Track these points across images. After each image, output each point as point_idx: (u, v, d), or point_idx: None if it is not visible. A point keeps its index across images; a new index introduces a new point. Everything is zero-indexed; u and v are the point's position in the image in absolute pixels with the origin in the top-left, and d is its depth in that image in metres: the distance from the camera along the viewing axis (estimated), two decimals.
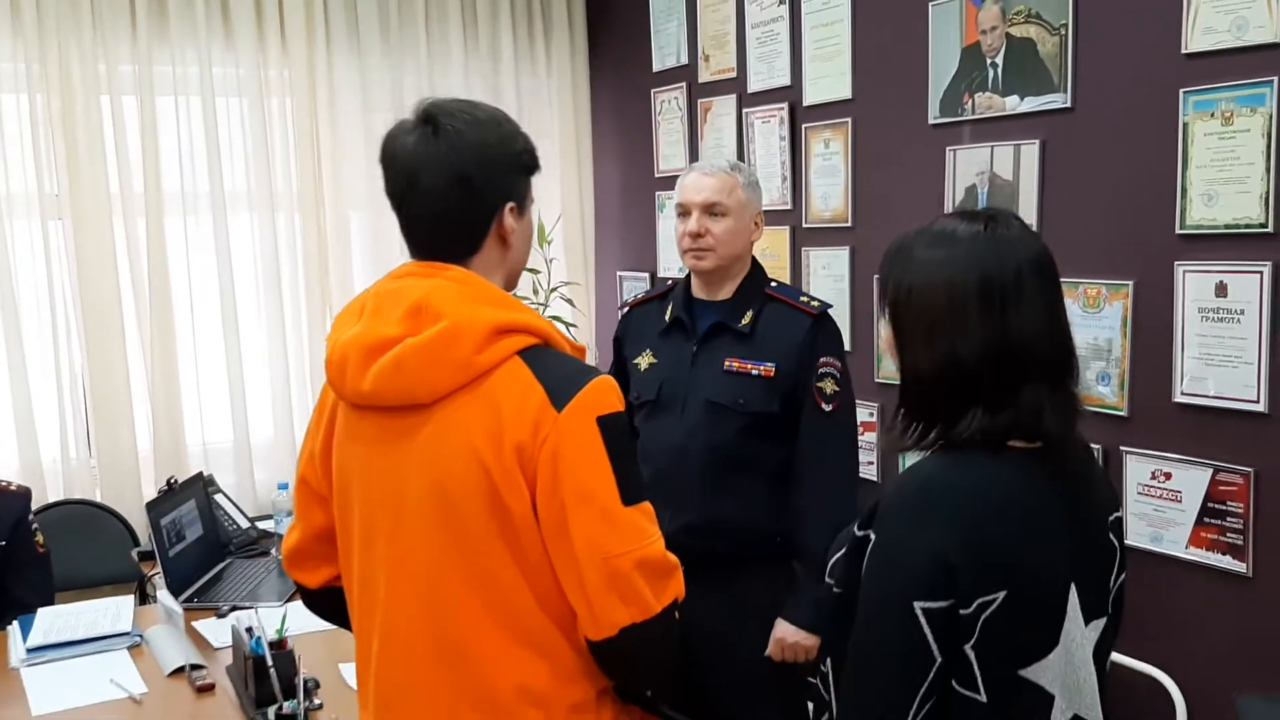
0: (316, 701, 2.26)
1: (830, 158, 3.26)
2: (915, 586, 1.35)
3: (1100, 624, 1.49)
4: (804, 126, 3.34)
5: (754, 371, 2.35)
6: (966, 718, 1.38)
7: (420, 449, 1.47)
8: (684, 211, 2.42)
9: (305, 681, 2.23)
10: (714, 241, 2.37)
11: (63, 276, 3.70)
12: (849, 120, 3.20)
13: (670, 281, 2.74)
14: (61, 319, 3.70)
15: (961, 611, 1.34)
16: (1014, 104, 2.72)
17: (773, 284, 2.46)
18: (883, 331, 1.53)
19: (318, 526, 1.67)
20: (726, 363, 2.37)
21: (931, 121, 2.93)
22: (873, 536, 1.41)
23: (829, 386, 2.35)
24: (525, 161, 1.58)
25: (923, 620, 1.34)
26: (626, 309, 2.66)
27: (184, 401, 3.87)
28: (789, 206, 3.42)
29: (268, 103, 3.90)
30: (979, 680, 1.37)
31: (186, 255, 3.87)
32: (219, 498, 3.34)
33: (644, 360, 2.49)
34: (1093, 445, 2.53)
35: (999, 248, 1.41)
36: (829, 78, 3.24)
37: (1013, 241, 1.43)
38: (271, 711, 2.16)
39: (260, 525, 3.37)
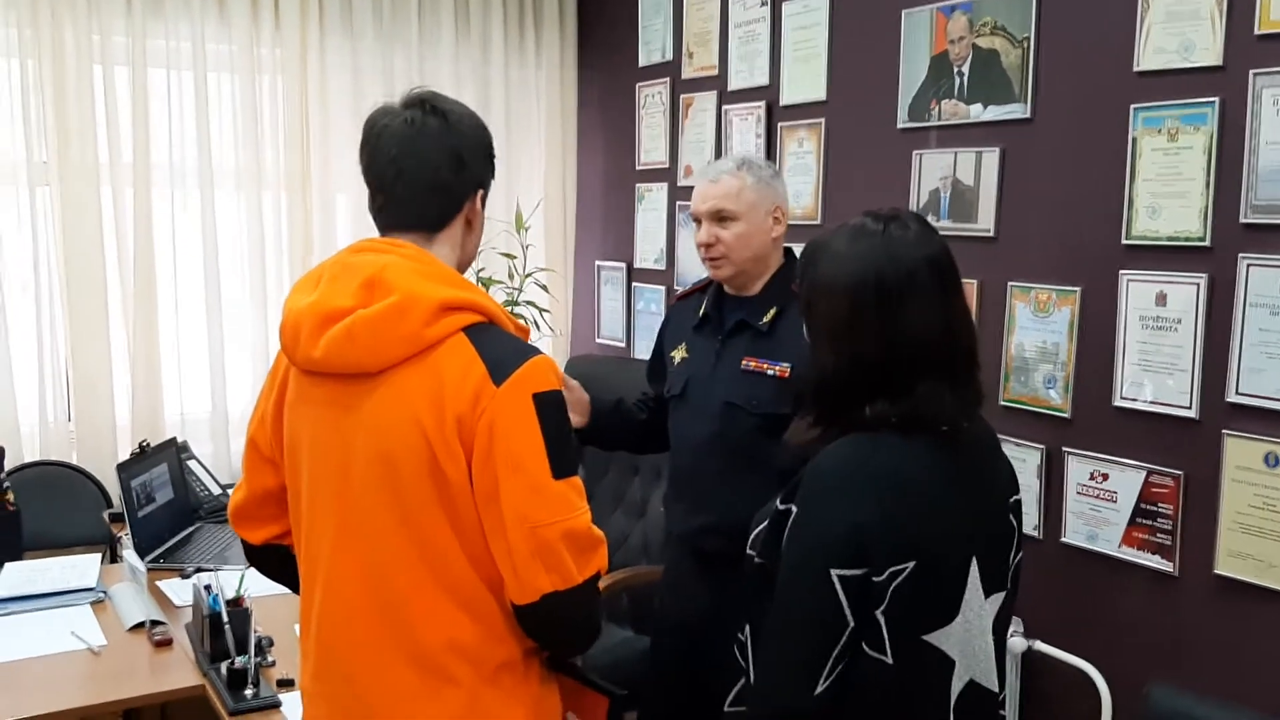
0: (270, 659, 2.33)
1: (803, 156, 3.34)
2: (832, 555, 1.44)
3: (999, 598, 1.58)
4: (780, 125, 3.42)
5: (769, 372, 2.31)
6: (874, 678, 1.47)
7: (366, 416, 1.55)
8: (695, 220, 2.39)
9: (259, 639, 2.30)
10: (725, 249, 2.34)
11: (48, 243, 3.74)
12: (822, 121, 3.27)
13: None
14: (45, 285, 3.75)
15: (874, 579, 1.44)
16: (978, 112, 2.80)
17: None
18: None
19: (263, 487, 1.75)
20: (744, 362, 2.33)
21: (900, 126, 3.01)
22: (794, 510, 1.50)
23: None
24: (493, 155, 1.69)
25: (838, 586, 1.44)
26: (675, 301, 2.68)
27: (164, 371, 3.92)
28: None
29: (259, 80, 3.95)
30: (887, 644, 1.46)
31: (172, 227, 3.92)
32: (192, 464, 3.40)
33: (678, 354, 2.50)
34: (1036, 445, 2.64)
35: (894, 249, 1.52)
36: (805, 79, 3.32)
37: (909, 242, 1.53)
38: (224, 666, 2.23)
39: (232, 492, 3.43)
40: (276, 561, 1.81)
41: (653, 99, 3.97)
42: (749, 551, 1.62)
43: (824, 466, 1.51)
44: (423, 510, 1.53)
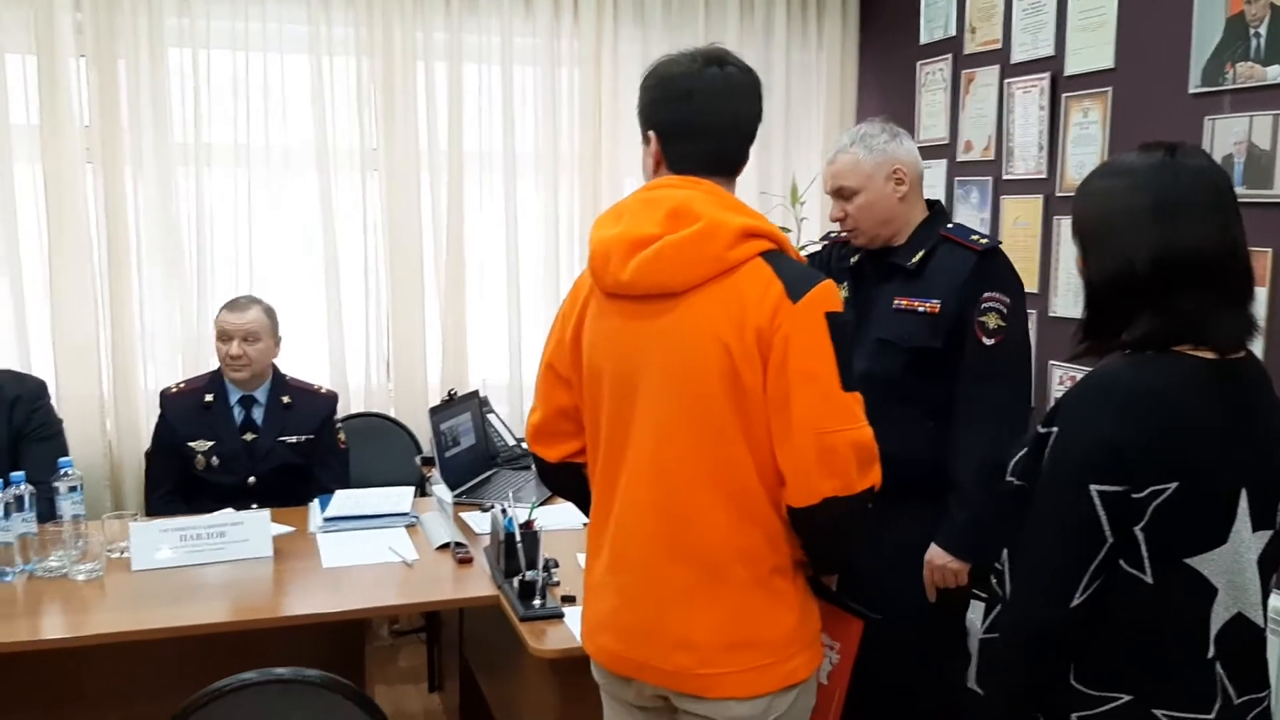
0: (554, 578, 2.56)
1: (1088, 127, 3.27)
2: (1092, 470, 1.47)
3: (1266, 535, 1.54)
4: (1064, 96, 3.36)
5: (920, 308, 2.44)
6: (1131, 596, 1.49)
7: (669, 332, 1.71)
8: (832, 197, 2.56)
9: (546, 560, 2.54)
10: (854, 221, 2.50)
11: (376, 223, 4.19)
12: (1109, 90, 3.19)
13: None
14: (373, 261, 4.20)
15: (1134, 496, 1.45)
16: (1275, 74, 2.67)
17: (950, 226, 2.53)
18: (1075, 251, 1.65)
19: (559, 406, 1.92)
20: (896, 301, 2.47)
21: (1192, 91, 2.90)
22: (1054, 430, 1.54)
23: (992, 321, 2.39)
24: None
25: (1097, 501, 1.46)
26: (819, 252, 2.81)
27: (469, 339, 4.31)
28: (1044, 175, 3.45)
29: (558, 71, 4.28)
30: (1146, 562, 1.47)
31: (480, 209, 4.30)
32: (491, 416, 3.73)
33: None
34: None
35: (1177, 170, 1.51)
36: (1092, 48, 3.25)
37: (1192, 167, 1.52)
38: (516, 580, 2.48)
39: (525, 446, 3.73)
40: (569, 479, 1.98)
41: (933, 76, 3.98)
42: (1008, 478, 1.66)
43: (1087, 384, 1.53)
44: (718, 417, 1.69)
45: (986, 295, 2.40)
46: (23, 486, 2.59)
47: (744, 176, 1.85)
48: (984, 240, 2.47)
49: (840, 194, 2.51)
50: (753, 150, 1.84)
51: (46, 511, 2.67)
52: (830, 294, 1.69)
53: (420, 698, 3.77)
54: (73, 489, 2.65)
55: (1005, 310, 2.40)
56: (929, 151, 4.02)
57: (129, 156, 3.83)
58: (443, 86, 4.16)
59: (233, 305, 3.33)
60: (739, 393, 1.67)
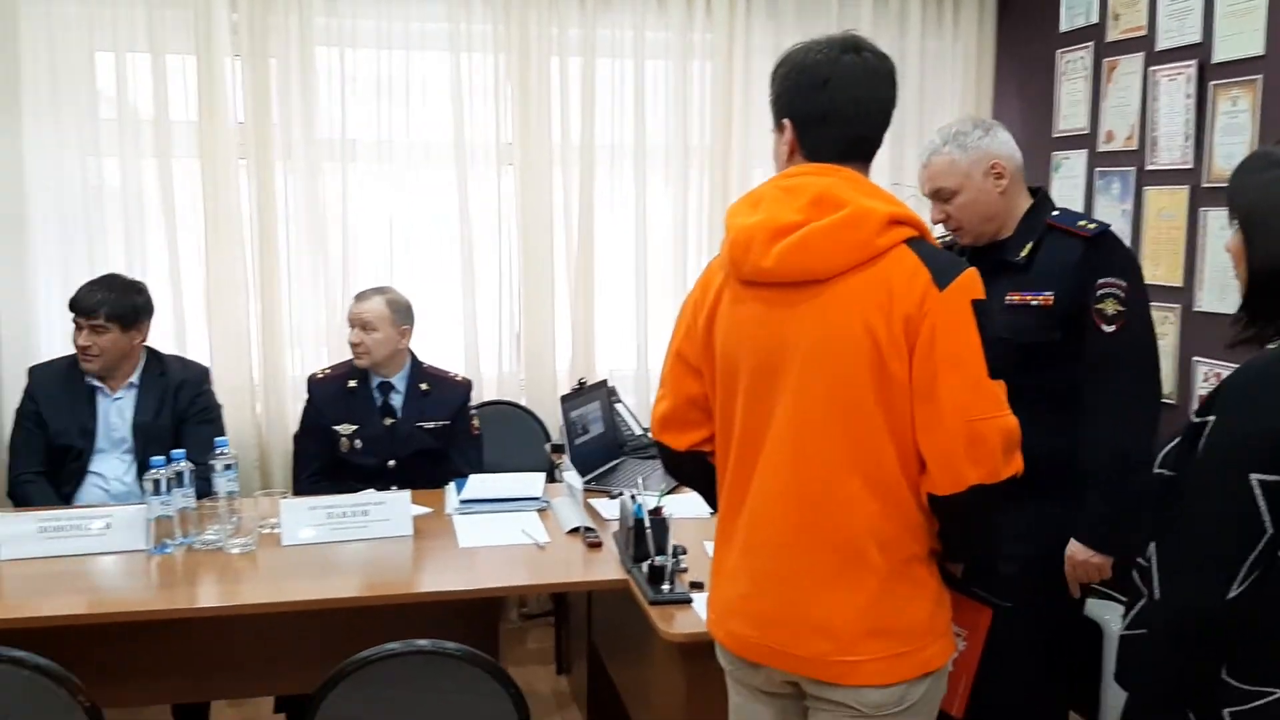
0: (682, 565, 2.60)
1: (1237, 116, 3.15)
2: (1252, 459, 1.44)
3: None
4: (1211, 84, 3.25)
5: (1033, 302, 2.39)
6: None
7: (813, 319, 1.71)
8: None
9: (674, 547, 2.58)
10: (956, 221, 2.47)
11: (509, 216, 4.29)
12: (1259, 77, 3.07)
13: None
14: (506, 253, 4.31)
15: None
16: None
17: (1055, 213, 2.47)
18: (1230, 239, 1.61)
19: (689, 394, 1.93)
20: (1008, 297, 2.41)
21: None
22: (1211, 419, 1.50)
23: (1110, 307, 2.32)
24: None
25: (1258, 491, 1.43)
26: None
27: (597, 330, 4.39)
28: (1190, 166, 3.34)
29: (689, 65, 4.31)
30: None
31: (610, 201, 4.37)
32: (619, 406, 3.80)
33: None
34: None
35: None
36: (1242, 34, 3.13)
37: None
38: (645, 564, 2.53)
39: (652, 435, 3.78)
40: (695, 468, 1.99)
41: (1074, 64, 3.89)
42: (1157, 470, 1.63)
43: (1246, 373, 1.50)
44: (861, 404, 1.69)
45: (1101, 282, 2.35)
46: (183, 464, 2.75)
47: (876, 167, 1.84)
48: (1091, 225, 2.40)
49: (939, 195, 2.48)
50: (885, 140, 1.83)
51: (203, 489, 2.83)
52: (974, 281, 1.69)
53: (549, 679, 3.86)
54: (228, 467, 2.80)
55: (1123, 294, 2.34)
56: (1068, 142, 3.93)
57: (279, 152, 4.01)
58: (576, 81, 4.23)
59: (359, 295, 3.47)
60: (884, 380, 1.67)
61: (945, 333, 1.65)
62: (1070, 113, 3.92)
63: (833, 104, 1.75)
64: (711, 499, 1.97)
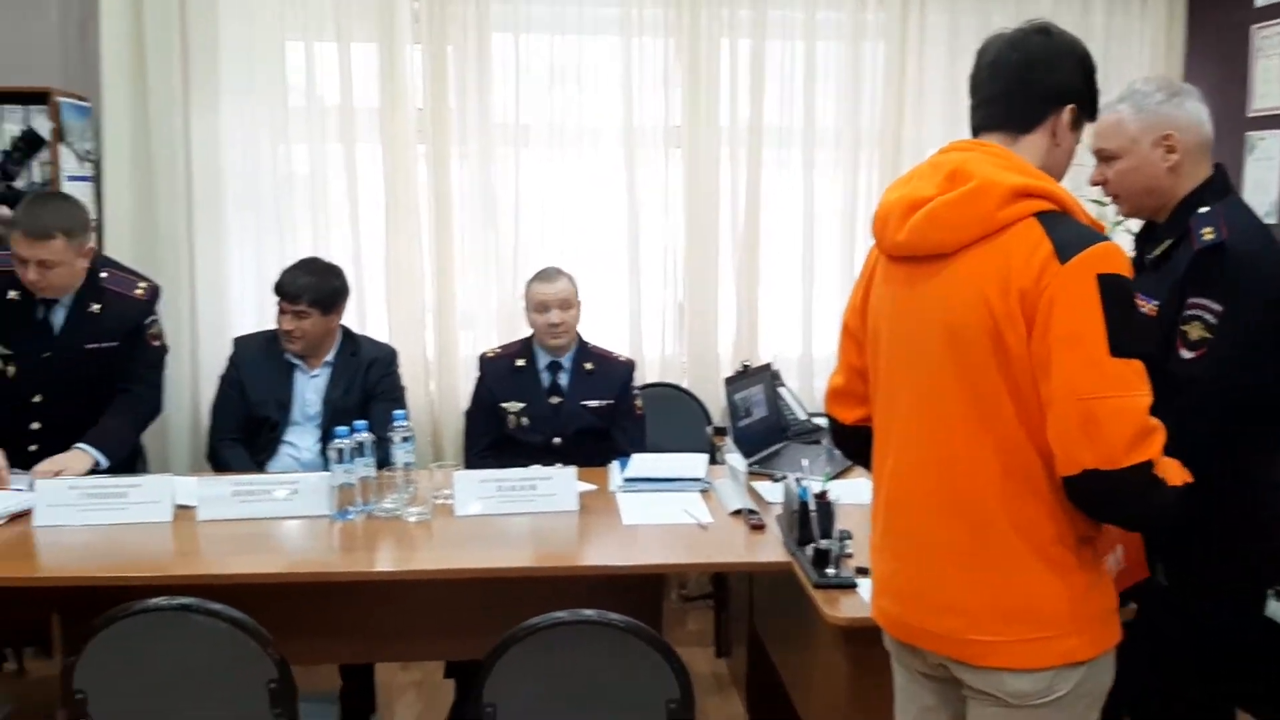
0: (848, 550, 2.57)
1: None
2: None
3: None
4: None
5: (1143, 308, 2.10)
6: None
7: (938, 292, 1.72)
8: None
9: (840, 531, 2.55)
10: (1113, 187, 2.26)
11: (675, 199, 4.32)
12: None
13: None
14: (671, 235, 4.35)
15: None
16: None
17: (1202, 211, 2.13)
18: None
19: (855, 367, 1.97)
20: (1137, 298, 2.20)
21: None
22: None
23: (1194, 332, 2.04)
24: (1092, 81, 1.80)
25: None
26: None
27: (760, 314, 4.38)
28: None
29: (861, 46, 4.24)
30: None
31: (777, 184, 4.35)
32: (782, 390, 3.77)
33: None
34: None
35: None
36: None
37: None
38: (810, 547, 2.51)
39: (816, 420, 3.75)
40: (860, 443, 2.00)
41: (1270, 40, 3.67)
42: None
43: None
44: (985, 379, 1.66)
45: (1191, 301, 2.06)
46: (365, 435, 2.87)
47: None
48: (1210, 235, 2.07)
49: (1100, 155, 2.26)
50: None
51: (382, 460, 2.95)
52: (1105, 255, 1.61)
53: (708, 661, 3.88)
54: (406, 439, 2.91)
55: (1213, 321, 2.02)
56: (1264, 122, 3.71)
57: (455, 137, 4.14)
58: (745, 64, 4.22)
59: (544, 276, 3.53)
60: (1003, 354, 1.64)
61: (1063, 307, 1.59)
62: (1265, 90, 3.71)
63: (985, 78, 1.78)
64: None
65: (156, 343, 3.33)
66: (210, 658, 2.10)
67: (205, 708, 2.14)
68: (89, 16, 3.99)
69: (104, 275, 3.18)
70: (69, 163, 3.88)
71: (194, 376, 4.09)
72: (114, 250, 3.99)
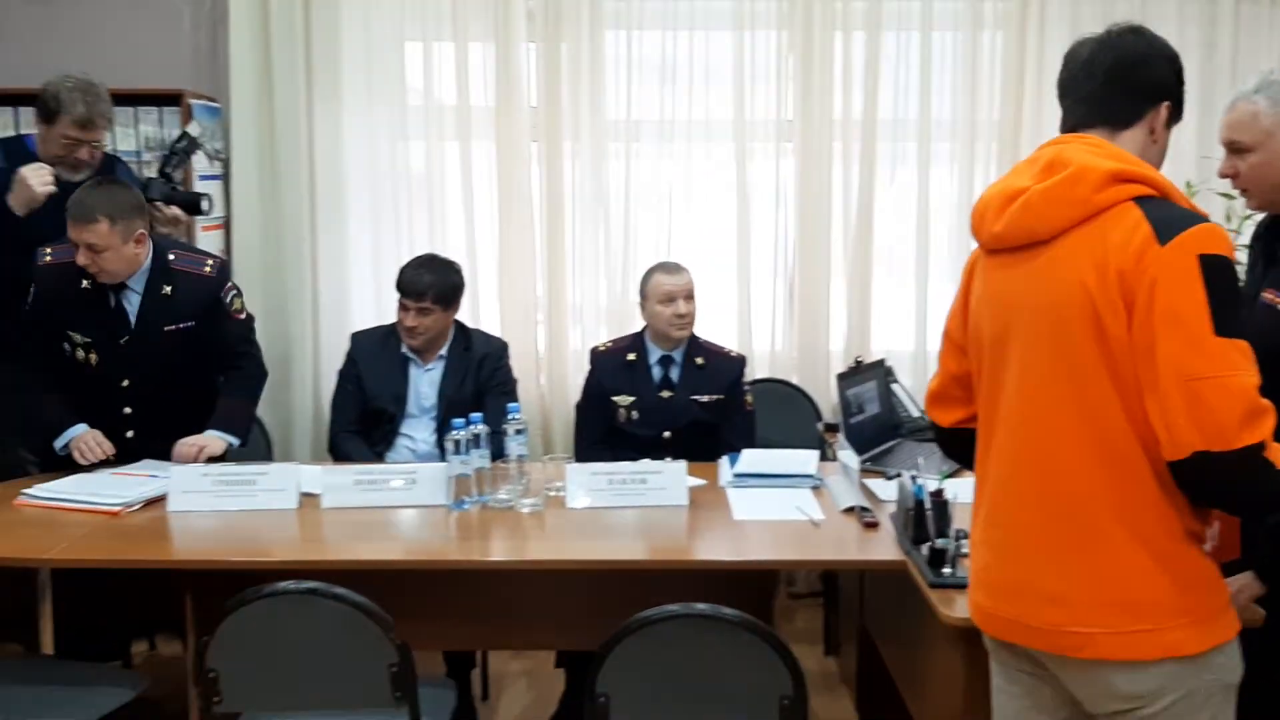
0: (964, 549, 2.52)
1: None
2: None
3: None
4: None
5: (1275, 304, 2.08)
6: None
7: (1036, 278, 1.71)
8: None
9: (956, 531, 2.51)
10: (1244, 181, 2.16)
11: (787, 193, 4.29)
12: None
13: None
14: (782, 231, 4.32)
15: None
16: None
17: None
18: None
19: (952, 372, 1.98)
20: (1263, 294, 2.12)
21: None
22: None
23: None
24: (1181, 89, 1.81)
25: None
26: None
27: (874, 308, 4.32)
28: None
29: (979, 36, 4.16)
30: None
31: (891, 178, 4.29)
32: (895, 387, 3.72)
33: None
34: None
35: None
36: None
37: None
38: (925, 547, 2.47)
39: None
40: (960, 446, 2.01)
41: None
42: None
43: None
44: (1084, 365, 1.65)
45: None
46: (480, 426, 2.92)
47: (1183, 142, 1.75)
48: None
49: (1232, 147, 2.17)
50: (1192, 112, 1.79)
51: (496, 452, 3.00)
52: (1206, 236, 1.59)
53: (816, 659, 3.86)
54: (519, 432, 2.96)
55: None
56: None
57: (567, 134, 4.18)
58: (859, 55, 4.18)
59: (668, 268, 3.55)
60: (1103, 338, 1.62)
61: (1165, 289, 1.57)
62: None
63: (1073, 78, 1.79)
64: None
65: (241, 316, 3.37)
66: (334, 640, 2.16)
67: (329, 688, 2.21)
68: (219, 21, 4.16)
69: (172, 257, 3.22)
70: (200, 162, 4.03)
71: (315, 371, 4.23)
72: (240, 247, 4.16)
